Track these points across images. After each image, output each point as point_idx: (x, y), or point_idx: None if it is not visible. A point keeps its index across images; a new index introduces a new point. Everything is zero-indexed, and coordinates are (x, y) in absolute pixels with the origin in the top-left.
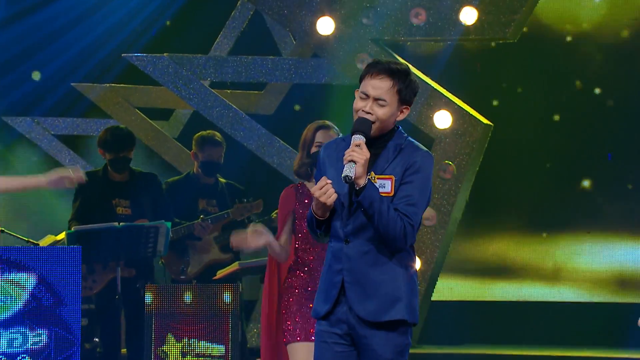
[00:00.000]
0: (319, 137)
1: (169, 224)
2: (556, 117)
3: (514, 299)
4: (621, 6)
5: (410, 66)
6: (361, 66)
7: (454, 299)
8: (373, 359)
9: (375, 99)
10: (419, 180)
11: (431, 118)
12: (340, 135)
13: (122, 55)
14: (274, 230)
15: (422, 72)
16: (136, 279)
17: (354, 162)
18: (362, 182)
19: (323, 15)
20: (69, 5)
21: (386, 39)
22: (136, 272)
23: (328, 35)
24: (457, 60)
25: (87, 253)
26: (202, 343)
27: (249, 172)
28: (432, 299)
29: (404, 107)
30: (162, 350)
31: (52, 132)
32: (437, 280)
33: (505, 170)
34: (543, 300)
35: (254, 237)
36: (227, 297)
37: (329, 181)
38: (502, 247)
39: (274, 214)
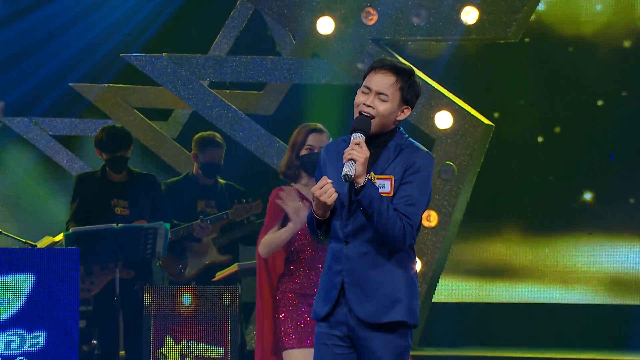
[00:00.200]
0: (311, 140)
1: (167, 225)
2: (557, 130)
3: (515, 301)
4: (623, 16)
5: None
6: (361, 66)
7: (455, 300)
8: None
9: (378, 93)
10: (419, 181)
11: (432, 118)
12: (332, 140)
13: (121, 55)
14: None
15: (422, 72)
16: (135, 281)
17: (354, 160)
18: (361, 180)
19: (323, 15)
20: (66, 5)
21: (387, 38)
22: (135, 274)
23: (328, 35)
24: (458, 60)
25: (85, 254)
26: (201, 345)
27: (249, 173)
28: (433, 300)
29: (405, 106)
30: (161, 352)
31: (50, 133)
32: (437, 282)
33: (506, 171)
34: (544, 302)
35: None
36: (226, 298)
37: (329, 180)
38: (503, 249)
39: None
